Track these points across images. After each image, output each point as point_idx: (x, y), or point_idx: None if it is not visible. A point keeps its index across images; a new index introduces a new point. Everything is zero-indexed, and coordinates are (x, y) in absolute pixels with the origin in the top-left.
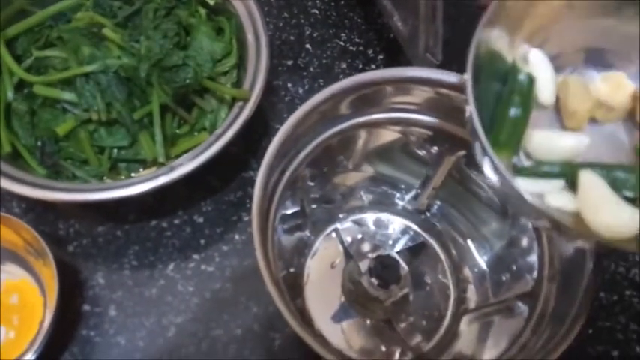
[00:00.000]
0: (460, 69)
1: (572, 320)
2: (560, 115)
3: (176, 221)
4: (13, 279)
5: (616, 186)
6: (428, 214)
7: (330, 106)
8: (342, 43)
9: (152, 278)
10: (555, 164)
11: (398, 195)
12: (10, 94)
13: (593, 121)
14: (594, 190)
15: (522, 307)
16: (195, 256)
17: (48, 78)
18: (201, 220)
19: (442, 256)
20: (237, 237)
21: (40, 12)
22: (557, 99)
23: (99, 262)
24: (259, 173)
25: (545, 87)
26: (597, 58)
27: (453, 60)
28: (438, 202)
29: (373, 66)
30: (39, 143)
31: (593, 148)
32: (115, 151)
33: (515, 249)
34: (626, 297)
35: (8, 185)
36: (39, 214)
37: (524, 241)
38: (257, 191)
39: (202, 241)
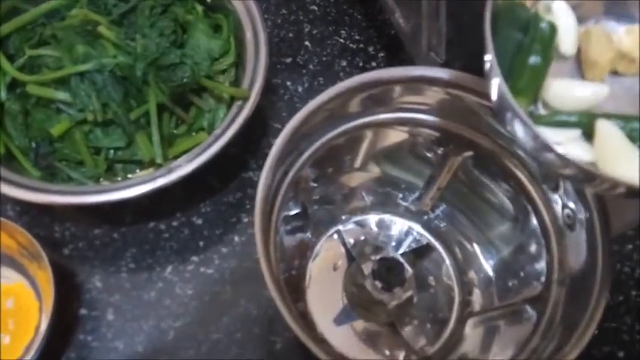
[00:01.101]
0: (465, 68)
1: (585, 325)
2: (581, 67)
3: (174, 223)
4: (8, 283)
5: (633, 137)
6: (432, 216)
7: (339, 104)
8: (341, 40)
9: (150, 281)
10: (573, 113)
11: (400, 195)
12: (2, 94)
13: (613, 73)
14: (611, 139)
15: (531, 312)
16: (194, 259)
17: (41, 77)
18: (199, 221)
19: (446, 258)
20: (236, 239)
21: (33, 9)
22: (579, 50)
23: (96, 266)
24: (262, 175)
25: (567, 37)
26: (618, 10)
27: (457, 59)
28: (443, 204)
29: (373, 64)
30: (33, 144)
31: (612, 99)
32: (112, 151)
33: (524, 255)
34: (632, 297)
35: (2, 188)
36: (34, 216)
37: (533, 247)
38: (260, 193)
39: (201, 243)
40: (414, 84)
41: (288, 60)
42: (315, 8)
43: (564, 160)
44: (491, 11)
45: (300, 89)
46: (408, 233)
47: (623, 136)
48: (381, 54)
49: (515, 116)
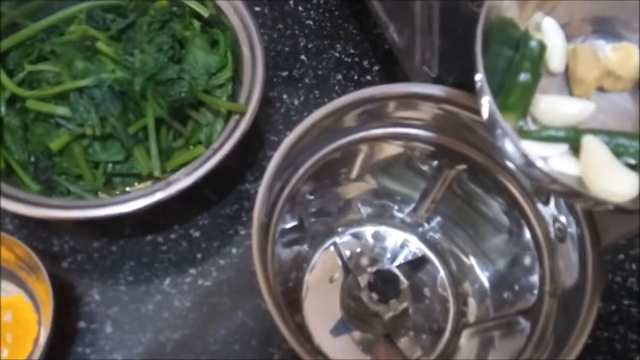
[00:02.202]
0: (458, 82)
1: (577, 336)
2: (569, 83)
3: (172, 235)
4: (7, 296)
5: (618, 152)
6: (427, 228)
7: (333, 120)
8: (337, 54)
9: (148, 294)
10: (561, 129)
11: (396, 207)
12: (2, 109)
13: (600, 89)
14: (596, 154)
15: (524, 324)
16: (192, 271)
17: (41, 93)
18: (197, 234)
19: (441, 269)
20: (234, 251)
21: (33, 25)
22: (567, 67)
23: (94, 278)
24: (260, 191)
25: (556, 54)
26: (606, 29)
27: (450, 73)
28: (439, 217)
29: (368, 77)
30: (32, 158)
31: (599, 115)
32: (110, 165)
33: (518, 267)
34: (624, 307)
35: (2, 203)
36: (33, 230)
37: (527, 260)
38: (257, 209)
39: (199, 256)
40: (409, 99)
41: (285, 74)
42: (311, 23)
43: (549, 177)
44: (482, 30)
45: (296, 102)
46: (403, 245)
47: (608, 151)
48: (376, 67)
49: (504, 134)
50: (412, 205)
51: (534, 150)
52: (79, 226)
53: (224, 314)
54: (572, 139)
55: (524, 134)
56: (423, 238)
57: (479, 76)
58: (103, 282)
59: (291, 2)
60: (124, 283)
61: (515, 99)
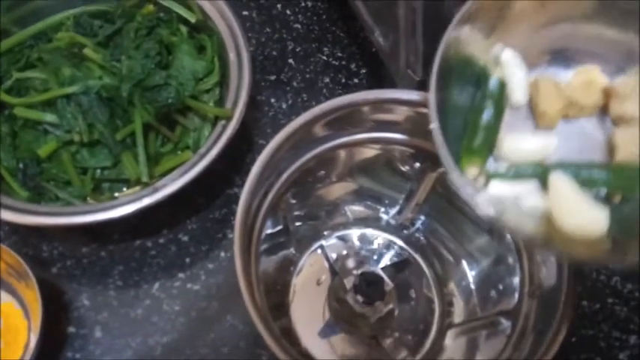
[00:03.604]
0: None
1: (553, 335)
2: (533, 114)
3: (161, 240)
4: None
5: (588, 184)
6: (412, 229)
7: (304, 131)
8: (324, 57)
9: (137, 298)
10: (527, 166)
11: (382, 210)
12: None
13: (566, 116)
14: (564, 190)
15: (505, 324)
16: (181, 275)
17: (29, 100)
18: (186, 238)
19: (427, 270)
20: (222, 254)
21: (20, 32)
22: (530, 97)
23: (83, 284)
24: (241, 199)
25: (518, 87)
26: (563, 58)
27: None
28: (423, 217)
29: (356, 80)
30: (20, 165)
31: (567, 143)
32: (98, 171)
33: (502, 267)
34: (608, 305)
35: None
36: (22, 236)
37: (510, 259)
38: (239, 216)
39: (187, 260)
40: (384, 104)
41: (272, 77)
42: (299, 26)
43: (507, 231)
44: (437, 74)
45: (284, 106)
46: (389, 247)
47: (576, 187)
48: (363, 70)
49: (463, 190)
50: (397, 208)
51: (503, 189)
52: (69, 232)
53: (213, 318)
54: (540, 174)
55: (491, 175)
56: (408, 239)
57: (434, 126)
58: (93, 287)
59: (279, 6)
60: (113, 288)
61: (479, 142)
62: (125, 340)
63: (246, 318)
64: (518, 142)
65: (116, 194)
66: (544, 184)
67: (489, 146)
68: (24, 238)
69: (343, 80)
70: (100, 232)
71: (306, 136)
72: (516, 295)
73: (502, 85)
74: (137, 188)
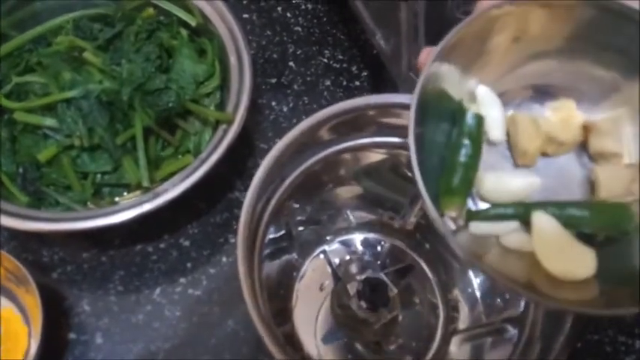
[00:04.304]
0: None
1: (563, 344)
2: (512, 151)
3: (162, 245)
4: None
5: (571, 224)
6: (416, 234)
7: (308, 135)
8: (325, 60)
9: (138, 304)
10: (509, 206)
11: (385, 214)
12: None
13: (545, 154)
14: (548, 231)
15: (512, 331)
16: (182, 280)
17: (28, 104)
18: (187, 243)
19: (430, 275)
20: (224, 259)
21: (19, 36)
22: (508, 133)
23: (84, 289)
24: (244, 205)
25: (495, 124)
26: (543, 93)
27: None
28: (427, 222)
29: (357, 82)
30: (20, 170)
31: (547, 182)
32: (99, 176)
33: None
34: None
35: None
36: (22, 241)
37: None
38: (242, 222)
39: (189, 265)
40: (390, 109)
41: (273, 80)
42: (299, 29)
43: (489, 276)
44: (416, 111)
45: (285, 109)
46: (392, 251)
47: (559, 227)
48: (364, 73)
49: (441, 230)
50: (401, 212)
51: (484, 229)
52: (69, 237)
53: (215, 323)
54: (522, 214)
55: (471, 215)
56: (412, 244)
57: (416, 175)
58: (93, 292)
59: (280, 9)
60: (114, 293)
61: (458, 181)
62: (126, 346)
63: (248, 323)
64: (499, 182)
65: (117, 199)
66: (526, 224)
67: (468, 185)
68: (23, 244)
69: (344, 83)
70: (101, 237)
71: (310, 140)
72: (522, 303)
73: (479, 121)
74: (138, 193)
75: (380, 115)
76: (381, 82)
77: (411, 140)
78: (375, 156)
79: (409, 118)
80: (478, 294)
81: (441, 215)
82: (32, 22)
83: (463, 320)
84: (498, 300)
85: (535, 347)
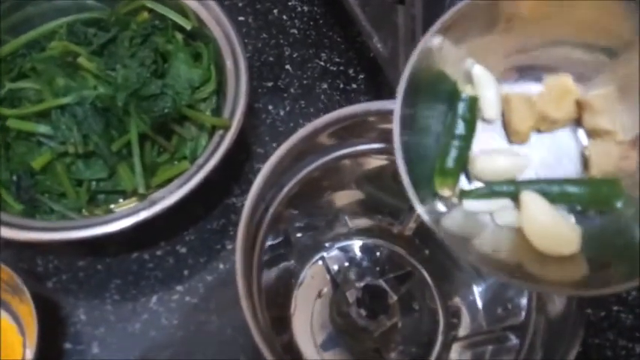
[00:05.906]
0: None
1: (563, 354)
2: (506, 129)
3: (158, 252)
4: None
5: (562, 200)
6: (415, 240)
7: (308, 141)
8: (322, 63)
9: (135, 313)
10: (500, 184)
11: (384, 220)
12: None
13: (538, 130)
14: (535, 208)
15: (514, 340)
16: (179, 288)
17: (22, 111)
18: (184, 250)
19: (430, 282)
20: (221, 266)
21: (13, 41)
22: (503, 111)
23: (80, 298)
24: (243, 212)
25: (490, 102)
26: (533, 72)
27: None
28: (427, 228)
29: (354, 85)
30: (14, 177)
31: (540, 156)
32: (94, 183)
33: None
34: (613, 313)
35: None
36: (17, 250)
37: None
38: (240, 232)
39: (186, 272)
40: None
41: (270, 84)
42: (295, 32)
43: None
44: (405, 89)
45: (282, 113)
46: (391, 258)
47: (547, 204)
48: (361, 76)
49: (426, 217)
50: (400, 218)
51: (477, 206)
52: (64, 246)
53: (212, 331)
54: (512, 192)
55: (464, 194)
56: (411, 250)
57: (397, 150)
58: (89, 301)
59: (276, 11)
60: (111, 302)
61: (452, 162)
62: (124, 354)
63: (246, 331)
64: (491, 162)
65: (112, 206)
66: (517, 201)
67: (462, 165)
68: (17, 252)
69: (341, 86)
70: (96, 245)
71: (310, 146)
72: (524, 313)
73: (474, 103)
74: (133, 199)
75: (380, 122)
76: (378, 84)
77: (396, 120)
78: (376, 162)
79: (397, 92)
80: (479, 301)
81: (434, 195)
82: (25, 26)
83: (464, 327)
84: (501, 309)
85: (536, 356)
